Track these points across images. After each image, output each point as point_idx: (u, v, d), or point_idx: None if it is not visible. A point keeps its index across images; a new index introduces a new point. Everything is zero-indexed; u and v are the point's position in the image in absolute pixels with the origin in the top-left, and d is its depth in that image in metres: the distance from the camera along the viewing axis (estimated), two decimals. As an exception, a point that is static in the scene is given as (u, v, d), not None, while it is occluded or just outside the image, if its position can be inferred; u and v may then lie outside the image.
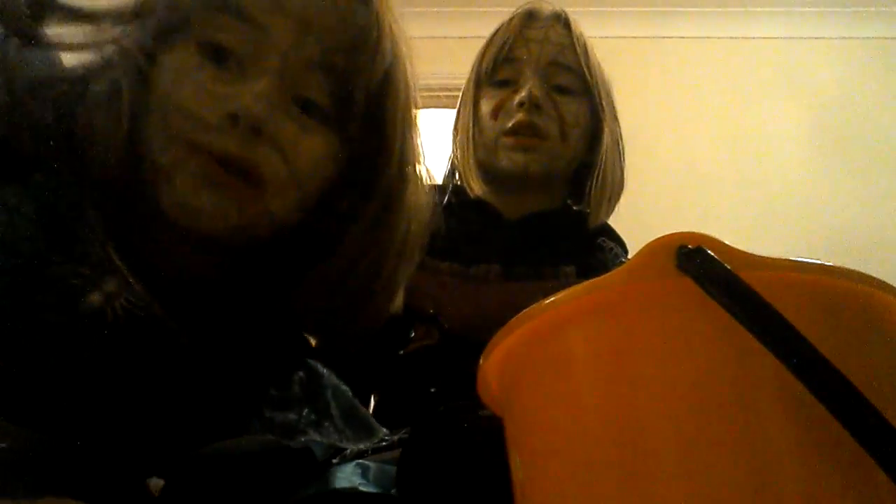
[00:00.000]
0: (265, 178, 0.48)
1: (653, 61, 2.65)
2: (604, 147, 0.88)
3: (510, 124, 0.83)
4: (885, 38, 2.66)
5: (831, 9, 2.67)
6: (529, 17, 0.87)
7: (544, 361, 0.34)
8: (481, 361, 0.38)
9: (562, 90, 0.84)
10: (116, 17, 0.49)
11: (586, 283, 0.32)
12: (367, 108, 0.50)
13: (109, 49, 0.48)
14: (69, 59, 0.48)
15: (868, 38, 2.67)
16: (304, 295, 0.52)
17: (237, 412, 0.48)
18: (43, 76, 0.47)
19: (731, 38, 2.70)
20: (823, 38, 2.69)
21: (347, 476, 0.47)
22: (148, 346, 0.44)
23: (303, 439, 0.47)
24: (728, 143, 2.59)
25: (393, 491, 0.47)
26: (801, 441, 0.28)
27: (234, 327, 0.50)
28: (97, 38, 0.49)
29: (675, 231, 0.31)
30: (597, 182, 0.87)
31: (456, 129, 0.91)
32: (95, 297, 0.43)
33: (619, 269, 0.32)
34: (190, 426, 0.45)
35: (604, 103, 0.88)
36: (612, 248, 0.88)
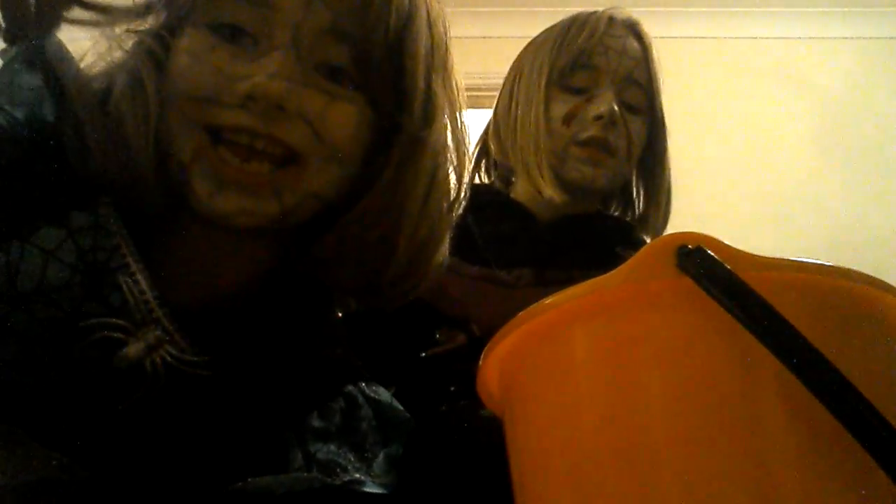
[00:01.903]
0: (297, 151, 0.46)
1: (653, 61, 2.64)
2: (668, 168, 0.87)
3: (584, 136, 0.81)
4: (888, 39, 2.66)
5: (833, 9, 2.67)
6: (610, 24, 0.85)
7: (544, 361, 0.34)
8: (481, 361, 0.38)
9: (630, 108, 0.83)
10: (128, 9, 0.48)
11: (586, 283, 0.32)
12: (386, 62, 0.49)
13: (127, 41, 0.48)
14: (89, 57, 0.47)
15: (871, 38, 2.67)
16: (332, 245, 0.51)
17: (278, 443, 0.46)
18: (78, 84, 0.46)
19: (732, 38, 2.70)
20: (826, 38, 2.68)
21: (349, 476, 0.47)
22: (186, 392, 0.44)
23: (346, 479, 0.46)
24: (729, 143, 2.58)
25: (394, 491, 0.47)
26: (801, 440, 0.28)
27: (274, 348, 0.49)
28: (114, 30, 0.48)
29: (675, 231, 0.31)
30: (662, 202, 0.87)
31: (513, 127, 0.87)
32: (133, 350, 0.42)
33: (620, 268, 0.32)
34: (228, 459, 0.44)
35: (664, 123, 0.87)
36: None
